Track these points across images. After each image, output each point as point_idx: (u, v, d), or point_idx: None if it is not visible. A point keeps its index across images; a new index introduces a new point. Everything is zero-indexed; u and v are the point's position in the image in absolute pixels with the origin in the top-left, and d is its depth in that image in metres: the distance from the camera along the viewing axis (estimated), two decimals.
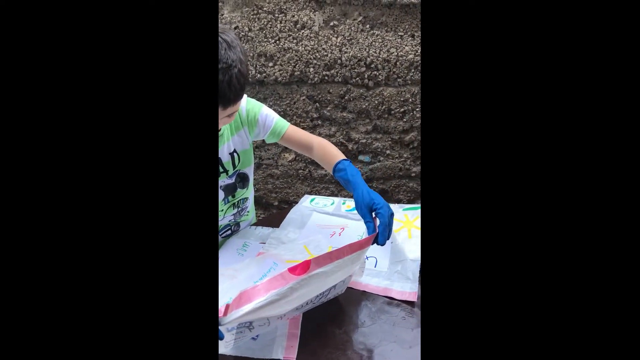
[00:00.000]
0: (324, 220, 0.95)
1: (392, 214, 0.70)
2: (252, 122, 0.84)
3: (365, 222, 0.72)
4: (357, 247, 0.63)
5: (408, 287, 0.73)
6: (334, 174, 0.82)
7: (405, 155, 1.49)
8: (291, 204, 1.57)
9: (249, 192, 0.94)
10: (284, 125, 0.87)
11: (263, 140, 0.89)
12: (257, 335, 0.64)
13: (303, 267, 0.54)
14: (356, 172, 0.78)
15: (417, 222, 0.87)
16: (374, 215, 0.71)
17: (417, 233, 0.84)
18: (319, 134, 1.45)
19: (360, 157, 1.50)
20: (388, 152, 1.48)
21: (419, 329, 0.66)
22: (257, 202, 1.60)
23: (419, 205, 0.94)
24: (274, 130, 0.86)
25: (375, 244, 0.69)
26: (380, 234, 0.69)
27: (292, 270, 0.54)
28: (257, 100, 0.87)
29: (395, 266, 0.78)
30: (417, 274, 0.75)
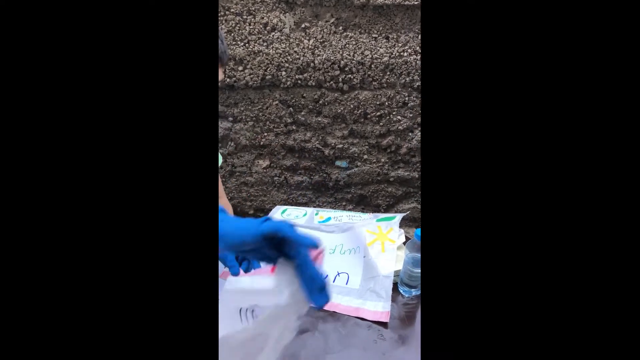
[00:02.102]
0: None
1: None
2: None
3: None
4: None
5: (380, 307, 0.69)
6: None
7: (383, 160, 1.45)
8: (267, 212, 1.51)
9: None
10: None
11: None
12: None
13: None
14: None
15: (392, 234, 0.83)
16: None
17: (391, 246, 0.80)
18: (294, 140, 1.41)
19: (337, 163, 1.46)
20: (365, 157, 1.44)
21: (391, 353, 0.62)
22: (233, 211, 1.54)
23: (395, 215, 0.90)
24: None
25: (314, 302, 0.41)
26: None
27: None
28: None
29: (367, 283, 0.74)
30: (390, 292, 0.71)
